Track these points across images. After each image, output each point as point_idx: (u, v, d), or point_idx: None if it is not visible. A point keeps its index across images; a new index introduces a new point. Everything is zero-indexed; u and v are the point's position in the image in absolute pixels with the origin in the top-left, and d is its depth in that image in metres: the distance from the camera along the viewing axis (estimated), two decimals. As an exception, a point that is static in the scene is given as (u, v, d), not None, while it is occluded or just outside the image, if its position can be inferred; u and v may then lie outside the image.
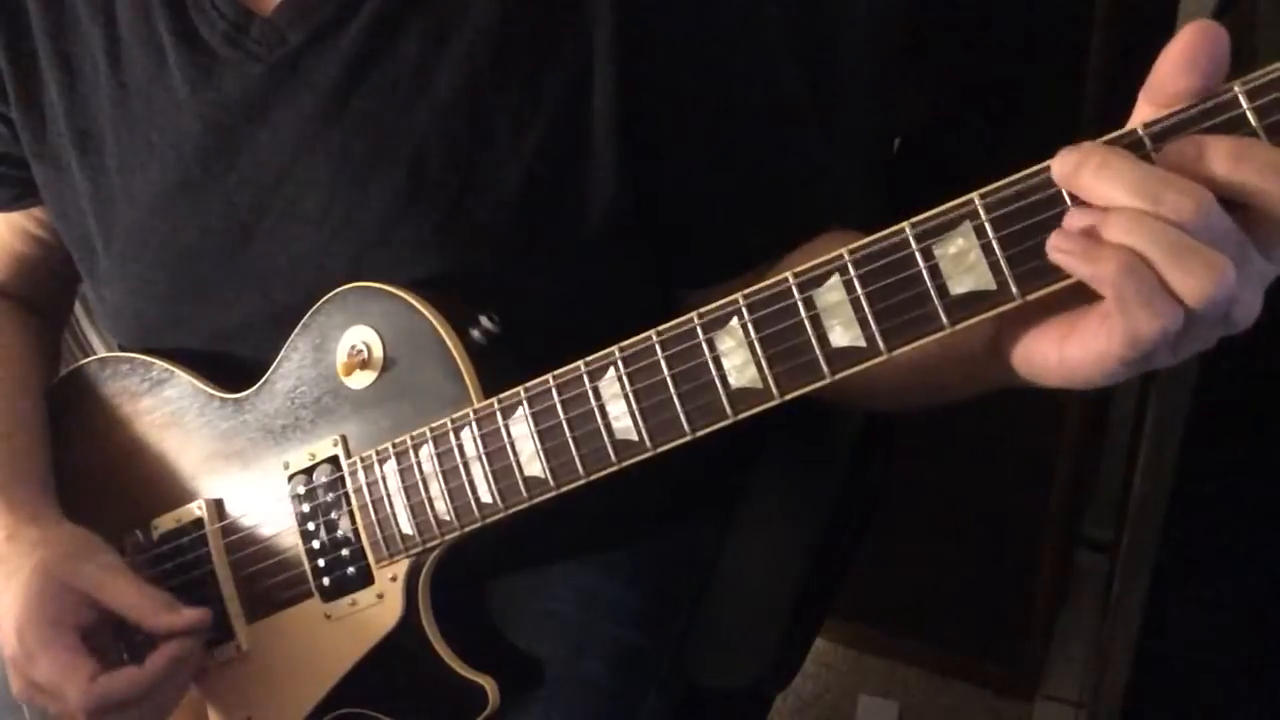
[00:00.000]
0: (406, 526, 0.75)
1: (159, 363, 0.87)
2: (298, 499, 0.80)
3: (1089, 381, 0.55)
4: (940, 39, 1.19)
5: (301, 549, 0.80)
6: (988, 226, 0.54)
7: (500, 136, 0.76)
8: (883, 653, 1.77)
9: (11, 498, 0.85)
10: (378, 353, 0.76)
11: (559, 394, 0.68)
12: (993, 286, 0.55)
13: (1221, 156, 0.49)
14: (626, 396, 0.66)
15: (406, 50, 0.76)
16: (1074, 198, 0.52)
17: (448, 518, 0.74)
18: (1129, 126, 0.52)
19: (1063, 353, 0.55)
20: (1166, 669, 1.25)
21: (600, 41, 0.73)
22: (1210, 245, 0.49)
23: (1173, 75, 0.50)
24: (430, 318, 0.74)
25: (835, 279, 0.59)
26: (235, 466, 0.83)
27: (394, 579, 0.77)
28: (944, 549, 1.60)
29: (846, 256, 0.58)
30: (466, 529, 0.73)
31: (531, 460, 0.70)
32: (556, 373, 0.68)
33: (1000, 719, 1.70)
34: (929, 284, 0.56)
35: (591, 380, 0.67)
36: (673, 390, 0.64)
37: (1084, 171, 0.51)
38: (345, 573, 0.78)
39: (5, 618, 0.79)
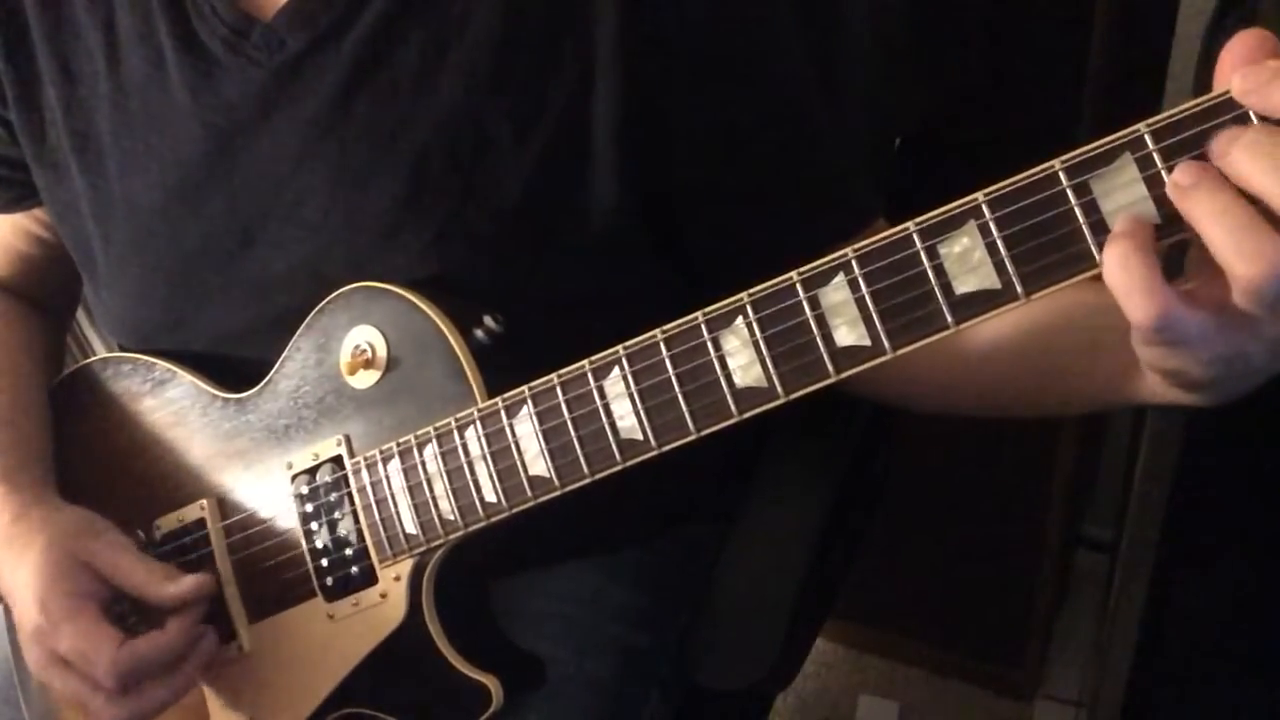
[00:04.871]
0: (410, 526, 0.75)
1: (161, 363, 0.87)
2: (301, 499, 0.80)
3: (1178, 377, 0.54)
4: (940, 39, 1.19)
5: (304, 549, 0.80)
6: (992, 225, 0.55)
7: (502, 142, 0.76)
8: (883, 653, 1.77)
9: (16, 482, 0.85)
10: (381, 352, 0.76)
11: (563, 393, 0.68)
12: (997, 286, 0.55)
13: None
14: (631, 395, 0.66)
15: (407, 56, 0.76)
16: (1085, 195, 0.52)
17: (452, 517, 0.74)
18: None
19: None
20: (1166, 669, 1.25)
21: (603, 44, 0.73)
22: None
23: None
24: (434, 317, 0.74)
25: (840, 278, 0.59)
26: (238, 466, 0.83)
27: (397, 579, 0.77)
28: (944, 549, 1.60)
29: (851, 255, 0.58)
30: (470, 528, 0.73)
31: (536, 459, 0.70)
32: (561, 372, 0.69)
33: (1000, 719, 1.70)
34: (934, 283, 0.56)
35: (596, 379, 0.67)
36: (677, 389, 0.64)
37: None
38: (348, 572, 0.78)
39: (23, 591, 0.78)
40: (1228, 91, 0.50)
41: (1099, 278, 0.54)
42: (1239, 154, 0.49)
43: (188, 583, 0.79)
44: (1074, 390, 0.72)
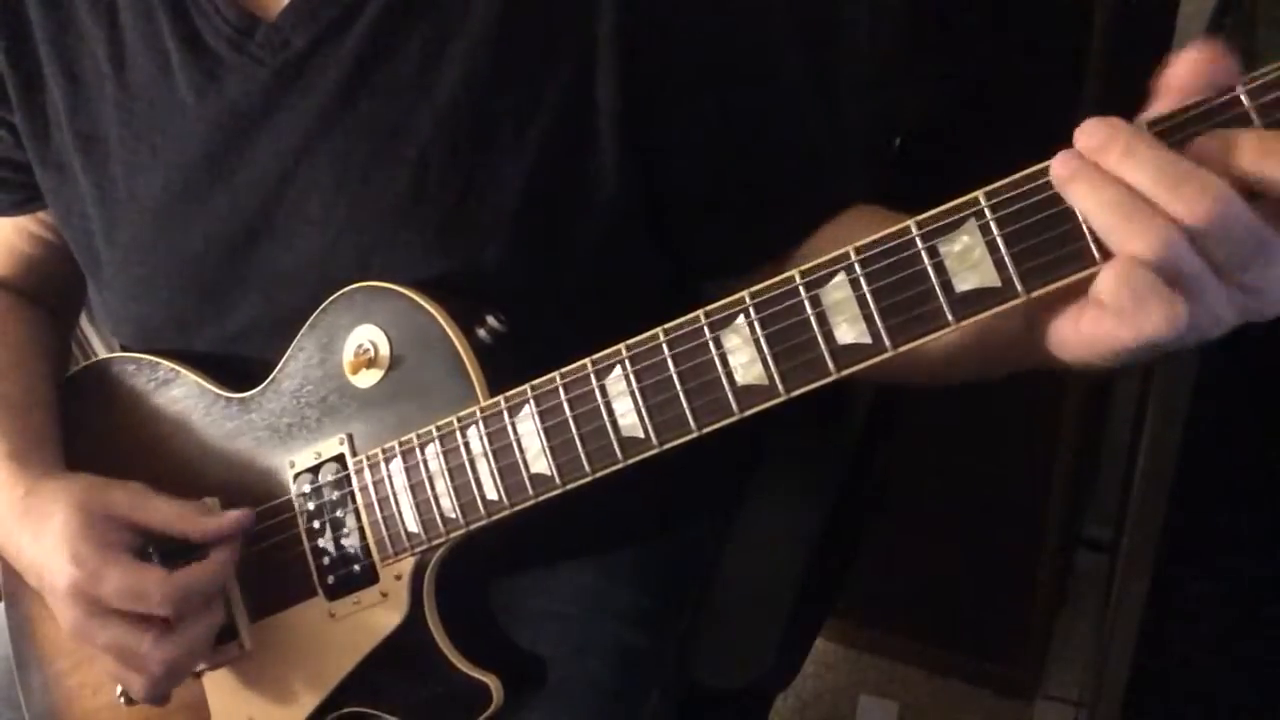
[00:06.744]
0: (412, 525, 0.75)
1: (165, 363, 0.87)
2: (303, 497, 0.80)
3: (1101, 360, 0.55)
4: (940, 39, 1.19)
5: (306, 547, 0.80)
6: (992, 224, 0.55)
7: (503, 136, 0.76)
8: (883, 653, 1.78)
9: (27, 461, 0.85)
10: (384, 351, 0.76)
11: (565, 392, 0.69)
12: (997, 284, 0.55)
13: (1247, 149, 0.49)
14: (633, 394, 0.66)
15: (409, 52, 0.76)
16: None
17: (453, 515, 0.74)
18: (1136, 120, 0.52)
19: (1079, 327, 0.55)
20: (1166, 669, 1.25)
21: (602, 36, 0.74)
22: (1224, 243, 0.49)
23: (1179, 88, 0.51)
24: (437, 316, 0.74)
25: (841, 276, 0.59)
26: (241, 465, 0.83)
27: (399, 577, 0.77)
28: (944, 549, 1.60)
29: (853, 254, 0.59)
30: (472, 527, 0.74)
31: (538, 458, 0.70)
32: (563, 370, 0.69)
33: (1000, 719, 1.70)
34: (934, 281, 0.57)
35: (598, 378, 0.67)
36: (679, 387, 0.65)
37: (1112, 150, 0.51)
38: (350, 571, 0.79)
39: (52, 556, 0.77)
40: (1230, 91, 0.50)
41: (1098, 275, 0.54)
42: (1251, 157, 0.49)
43: (231, 516, 0.80)
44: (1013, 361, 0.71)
